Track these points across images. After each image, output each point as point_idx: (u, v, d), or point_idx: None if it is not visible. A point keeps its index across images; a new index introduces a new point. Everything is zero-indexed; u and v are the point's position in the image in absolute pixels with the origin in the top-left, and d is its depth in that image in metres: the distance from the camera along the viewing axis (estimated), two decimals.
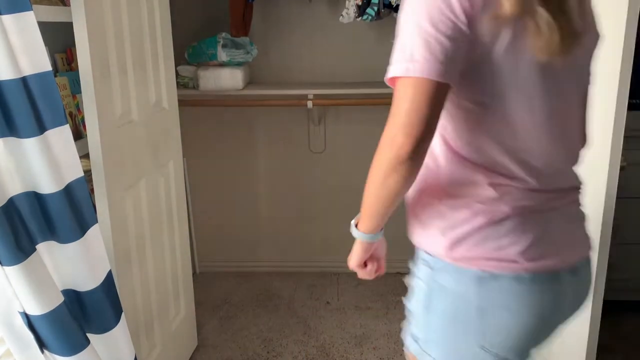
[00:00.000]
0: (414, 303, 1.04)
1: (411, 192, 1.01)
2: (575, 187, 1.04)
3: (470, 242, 0.93)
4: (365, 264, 1.12)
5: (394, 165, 0.86)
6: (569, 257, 0.98)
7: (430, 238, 0.99)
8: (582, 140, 1.07)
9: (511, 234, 0.93)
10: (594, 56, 1.01)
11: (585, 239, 1.05)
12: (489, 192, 0.92)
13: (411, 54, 0.84)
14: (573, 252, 1.00)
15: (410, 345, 1.06)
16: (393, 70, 0.87)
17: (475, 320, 0.95)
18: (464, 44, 0.84)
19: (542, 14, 0.84)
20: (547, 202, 0.96)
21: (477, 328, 0.95)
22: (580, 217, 1.05)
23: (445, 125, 0.94)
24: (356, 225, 1.06)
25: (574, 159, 1.04)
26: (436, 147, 0.96)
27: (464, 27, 0.83)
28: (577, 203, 1.04)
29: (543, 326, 0.98)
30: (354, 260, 1.10)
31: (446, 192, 0.96)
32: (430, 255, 0.99)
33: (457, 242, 0.94)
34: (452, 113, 0.92)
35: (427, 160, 0.92)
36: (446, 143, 0.95)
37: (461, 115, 0.92)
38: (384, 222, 1.03)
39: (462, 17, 0.83)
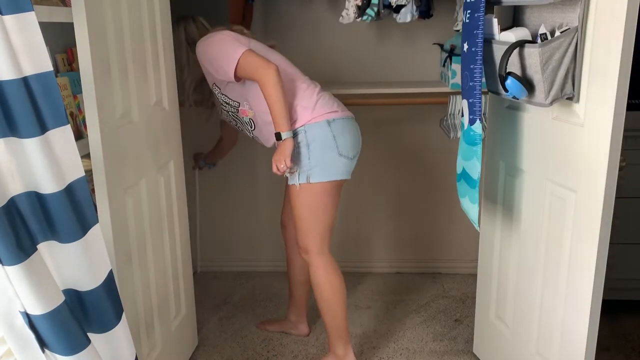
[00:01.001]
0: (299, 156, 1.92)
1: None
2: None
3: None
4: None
5: (278, 77, 1.80)
6: (349, 113, 2.00)
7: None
8: None
9: (328, 100, 1.96)
10: None
11: None
12: (312, 87, 1.98)
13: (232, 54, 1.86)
14: (348, 111, 2.01)
15: (299, 179, 1.93)
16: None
17: (333, 141, 1.91)
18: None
19: (254, 35, 2.06)
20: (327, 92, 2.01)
21: (335, 145, 1.91)
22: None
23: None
24: (280, 134, 1.84)
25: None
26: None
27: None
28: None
29: (357, 139, 1.99)
30: (288, 154, 1.85)
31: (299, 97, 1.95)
32: (303, 125, 1.90)
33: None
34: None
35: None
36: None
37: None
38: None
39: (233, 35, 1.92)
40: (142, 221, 1.78)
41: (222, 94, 2.00)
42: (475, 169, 1.71)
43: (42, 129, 1.11)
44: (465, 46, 1.65)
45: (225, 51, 1.86)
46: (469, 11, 1.62)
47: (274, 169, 1.88)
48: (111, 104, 1.56)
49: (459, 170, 1.84)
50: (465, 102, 1.72)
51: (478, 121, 1.66)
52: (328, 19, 2.61)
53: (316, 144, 1.90)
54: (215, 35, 1.92)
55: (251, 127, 2.04)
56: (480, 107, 1.65)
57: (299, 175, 1.92)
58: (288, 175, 1.94)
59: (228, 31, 1.94)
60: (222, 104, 2.05)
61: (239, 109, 1.99)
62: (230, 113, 2.05)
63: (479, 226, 1.83)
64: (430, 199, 2.88)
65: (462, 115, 1.78)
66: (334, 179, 1.93)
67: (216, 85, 2.00)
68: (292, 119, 1.89)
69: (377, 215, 2.93)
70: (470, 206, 1.78)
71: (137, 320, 1.74)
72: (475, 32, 1.59)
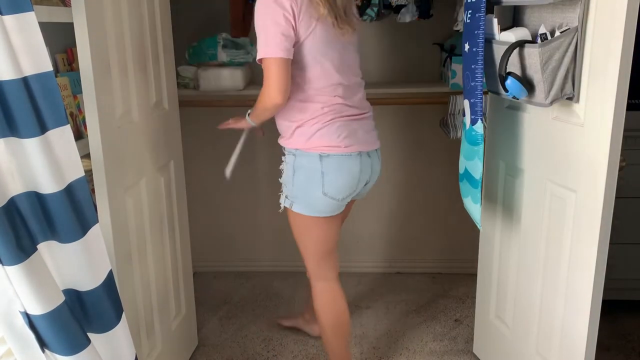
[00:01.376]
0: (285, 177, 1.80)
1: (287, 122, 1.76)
2: (366, 112, 1.82)
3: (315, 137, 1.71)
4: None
5: (272, 107, 1.67)
6: (365, 147, 1.75)
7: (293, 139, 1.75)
8: (360, 81, 1.85)
9: (334, 131, 1.70)
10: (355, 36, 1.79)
11: (374, 139, 1.82)
12: (322, 115, 1.70)
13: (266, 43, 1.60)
14: (367, 145, 1.77)
15: (284, 202, 1.81)
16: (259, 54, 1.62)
17: (320, 178, 1.71)
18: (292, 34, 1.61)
19: (330, 16, 1.64)
20: (352, 116, 1.74)
21: (320, 182, 1.71)
22: (372, 127, 1.82)
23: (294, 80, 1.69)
24: (248, 115, 1.82)
25: (361, 93, 1.83)
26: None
27: (293, 24, 1.60)
28: (369, 120, 1.82)
29: (353, 181, 1.75)
30: (238, 126, 1.91)
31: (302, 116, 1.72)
32: (295, 149, 1.74)
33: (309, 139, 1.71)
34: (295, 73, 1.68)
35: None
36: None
37: (299, 73, 1.69)
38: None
39: (292, 20, 1.60)
40: (142, 221, 1.78)
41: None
42: (477, 169, 1.71)
43: (42, 129, 1.11)
44: (467, 46, 1.65)
45: (268, 36, 1.60)
46: (469, 11, 1.62)
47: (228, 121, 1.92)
48: (111, 104, 1.56)
49: (461, 170, 1.84)
50: (466, 102, 1.72)
51: (480, 121, 1.66)
52: None
53: (301, 174, 1.73)
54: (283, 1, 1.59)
55: None
56: (481, 107, 1.65)
57: (285, 197, 1.80)
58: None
59: None
60: None
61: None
62: None
63: (481, 226, 1.84)
64: (430, 198, 2.87)
65: (464, 115, 1.78)
66: (316, 215, 1.76)
67: None
68: (290, 135, 1.75)
69: (377, 215, 2.93)
70: (473, 206, 1.78)
71: (137, 320, 1.74)
72: (476, 32, 1.59)
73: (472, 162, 1.74)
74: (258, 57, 1.64)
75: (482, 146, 1.68)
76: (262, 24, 1.62)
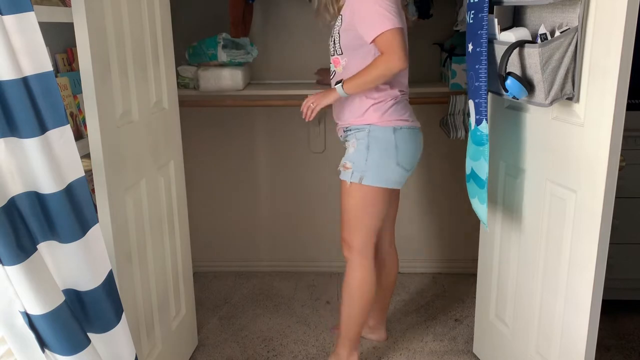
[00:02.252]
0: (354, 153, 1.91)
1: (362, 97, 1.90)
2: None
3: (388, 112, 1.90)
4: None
5: (393, 73, 1.79)
6: (418, 124, 1.96)
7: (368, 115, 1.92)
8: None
9: (402, 108, 1.92)
10: None
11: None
12: (394, 92, 1.90)
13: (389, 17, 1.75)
14: (418, 122, 1.97)
15: (351, 178, 1.91)
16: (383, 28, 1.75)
17: (394, 150, 1.88)
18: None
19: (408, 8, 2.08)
20: (406, 97, 1.97)
21: (395, 153, 1.88)
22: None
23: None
24: (342, 86, 1.84)
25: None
26: None
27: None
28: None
29: (418, 151, 1.96)
30: (324, 102, 1.90)
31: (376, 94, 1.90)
32: (368, 124, 1.90)
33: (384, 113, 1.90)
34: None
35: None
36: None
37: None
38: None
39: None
40: (142, 221, 1.78)
41: (338, 33, 1.90)
42: (483, 169, 1.71)
43: (42, 129, 1.11)
44: (470, 47, 1.65)
45: (388, 12, 1.75)
46: (472, 12, 1.62)
47: (303, 104, 1.92)
48: (111, 104, 1.56)
49: (467, 171, 1.84)
50: (471, 103, 1.72)
51: (484, 121, 1.66)
52: None
53: (376, 147, 1.87)
54: None
55: (331, 77, 2.01)
56: (486, 107, 1.65)
57: (352, 173, 1.89)
58: (341, 169, 1.94)
59: None
60: (331, 36, 1.96)
61: (336, 56, 1.93)
62: (330, 47, 1.97)
63: (488, 226, 1.83)
64: (429, 198, 2.88)
65: (469, 116, 1.78)
66: (385, 186, 1.91)
67: (342, 20, 1.88)
68: (362, 112, 1.89)
69: None
70: (480, 206, 1.78)
71: (137, 320, 1.74)
72: (479, 32, 1.59)
73: (477, 163, 1.74)
74: (380, 31, 1.74)
75: (487, 146, 1.68)
76: (375, 2, 1.75)
